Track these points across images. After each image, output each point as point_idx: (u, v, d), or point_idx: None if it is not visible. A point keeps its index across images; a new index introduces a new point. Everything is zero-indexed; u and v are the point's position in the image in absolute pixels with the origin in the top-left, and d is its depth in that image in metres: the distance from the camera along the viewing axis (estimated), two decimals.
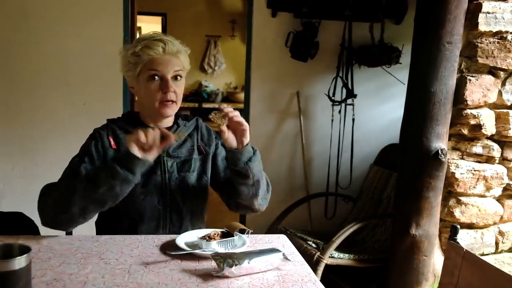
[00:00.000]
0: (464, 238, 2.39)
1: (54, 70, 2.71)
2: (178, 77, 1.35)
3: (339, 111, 3.02)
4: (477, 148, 2.39)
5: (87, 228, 1.37)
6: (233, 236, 1.20)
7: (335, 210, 3.05)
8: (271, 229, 2.57)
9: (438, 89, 2.12)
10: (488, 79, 2.34)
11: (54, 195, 1.20)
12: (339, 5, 2.90)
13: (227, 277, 1.00)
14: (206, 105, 5.94)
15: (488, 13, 2.32)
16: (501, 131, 2.40)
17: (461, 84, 2.28)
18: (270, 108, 3.07)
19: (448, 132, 2.21)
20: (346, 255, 2.29)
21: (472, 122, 2.31)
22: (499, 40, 2.34)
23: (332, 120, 3.03)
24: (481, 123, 2.31)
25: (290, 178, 3.10)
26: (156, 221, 1.35)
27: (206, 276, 1.02)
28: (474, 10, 2.32)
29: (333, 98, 2.96)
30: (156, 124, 1.40)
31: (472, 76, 2.30)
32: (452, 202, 2.38)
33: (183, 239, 1.20)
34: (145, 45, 1.32)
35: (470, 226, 2.42)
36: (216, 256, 1.03)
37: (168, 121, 1.42)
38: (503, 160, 2.47)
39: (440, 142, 2.15)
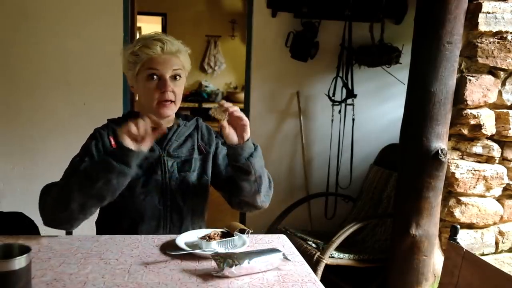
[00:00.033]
0: (464, 238, 2.39)
1: (54, 70, 2.71)
2: (177, 77, 1.35)
3: (339, 111, 3.02)
4: (477, 148, 2.40)
5: (87, 228, 1.38)
6: (233, 236, 1.19)
7: (335, 210, 3.05)
8: (271, 229, 2.57)
9: (438, 89, 2.12)
10: (488, 79, 2.34)
11: (53, 194, 1.20)
12: (339, 5, 2.90)
13: (227, 277, 1.00)
14: (206, 105, 5.94)
15: (488, 13, 2.32)
16: (501, 131, 2.40)
17: (461, 84, 2.28)
18: (270, 108, 3.07)
19: (448, 132, 2.21)
20: (346, 255, 2.29)
21: (472, 122, 2.31)
22: (499, 40, 2.34)
23: (332, 120, 3.03)
24: (481, 123, 2.31)
25: (290, 178, 3.10)
26: (157, 221, 1.35)
27: (206, 276, 1.02)
28: (474, 10, 2.33)
29: (333, 98, 2.96)
30: (156, 123, 1.40)
31: (472, 76, 2.30)
32: (452, 202, 2.38)
33: (183, 239, 1.20)
34: (144, 44, 1.32)
35: (470, 226, 2.42)
36: (216, 256, 1.03)
37: (168, 121, 1.42)
38: (503, 160, 2.47)
39: (440, 142, 2.15)
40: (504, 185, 2.45)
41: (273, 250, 1.09)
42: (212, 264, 1.07)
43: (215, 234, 1.20)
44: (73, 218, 1.19)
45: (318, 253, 2.21)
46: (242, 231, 1.21)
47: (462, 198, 2.38)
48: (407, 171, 2.24)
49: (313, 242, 2.35)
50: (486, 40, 2.34)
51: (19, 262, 0.82)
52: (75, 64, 2.73)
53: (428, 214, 2.19)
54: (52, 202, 1.19)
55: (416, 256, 2.22)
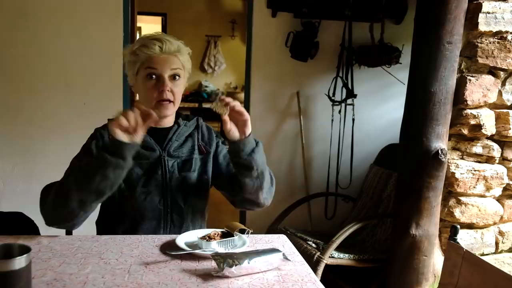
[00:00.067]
0: (464, 238, 2.39)
1: (54, 70, 2.71)
2: (177, 77, 1.35)
3: (339, 111, 3.02)
4: (477, 148, 2.40)
5: (87, 228, 1.38)
6: (233, 236, 1.19)
7: (335, 210, 3.05)
8: (271, 229, 2.57)
9: (438, 89, 2.12)
10: (488, 79, 2.34)
11: (52, 193, 1.20)
12: (339, 5, 2.90)
13: (227, 277, 1.00)
14: (206, 105, 5.94)
15: (488, 13, 2.32)
16: (501, 131, 2.40)
17: (461, 84, 2.28)
18: (270, 108, 3.07)
19: (448, 132, 2.21)
20: (346, 255, 2.29)
21: (472, 122, 2.31)
22: (499, 40, 2.35)
23: (332, 120, 3.03)
24: (481, 123, 2.31)
25: (290, 178, 3.11)
26: (157, 221, 1.35)
27: (206, 276, 1.02)
28: (474, 10, 2.33)
29: (333, 98, 2.96)
30: (156, 124, 1.40)
31: (472, 76, 2.30)
32: (452, 202, 2.38)
33: (183, 239, 1.20)
34: (143, 44, 1.33)
35: (470, 226, 2.42)
36: (216, 256, 1.03)
37: (169, 121, 1.42)
38: (503, 160, 2.47)
39: (440, 142, 2.15)
40: (504, 185, 2.45)
41: (273, 250, 1.09)
42: (212, 264, 1.07)
43: (215, 234, 1.20)
44: (74, 215, 1.18)
45: (318, 253, 2.21)
46: (242, 231, 1.21)
47: (462, 198, 2.38)
48: (407, 171, 2.24)
49: (313, 242, 2.35)
50: (486, 40, 2.34)
51: (19, 262, 0.82)
52: (75, 64, 2.73)
53: (428, 214, 2.19)
54: (52, 201, 1.19)
55: (416, 256, 2.22)
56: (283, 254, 1.09)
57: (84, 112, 2.73)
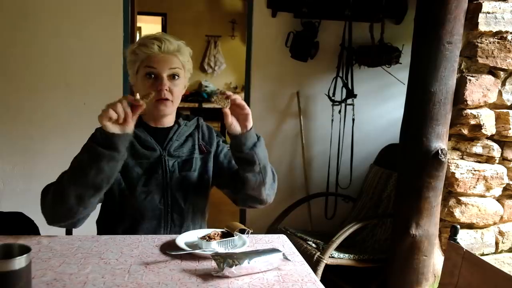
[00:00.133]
0: (464, 238, 2.39)
1: (54, 70, 2.71)
2: (176, 76, 1.35)
3: (339, 111, 3.02)
4: (477, 148, 2.40)
5: (88, 228, 1.37)
6: (233, 236, 1.19)
7: (335, 210, 3.05)
8: (271, 229, 2.57)
9: (438, 89, 2.12)
10: (488, 79, 2.34)
11: (51, 192, 1.20)
12: (339, 5, 2.90)
13: (227, 277, 1.00)
14: (206, 105, 5.94)
15: (488, 13, 2.32)
16: (501, 131, 2.40)
17: (461, 84, 2.28)
18: (270, 108, 3.07)
19: (448, 132, 2.21)
20: (346, 255, 2.29)
21: (472, 122, 2.31)
22: (499, 40, 2.35)
23: (332, 120, 3.03)
24: (481, 123, 2.31)
25: (290, 178, 3.11)
26: (157, 220, 1.35)
27: (206, 276, 1.02)
28: (474, 10, 2.33)
29: (333, 98, 2.96)
30: (157, 123, 1.41)
31: (472, 76, 2.30)
32: (452, 202, 2.38)
33: (183, 239, 1.20)
34: (142, 43, 1.34)
35: (470, 226, 2.42)
36: (216, 256, 1.03)
37: (169, 121, 1.42)
38: (503, 160, 2.47)
39: (440, 142, 2.15)
40: (504, 185, 2.45)
41: (273, 250, 1.09)
42: (212, 264, 1.07)
43: (215, 234, 1.20)
44: (73, 212, 1.18)
45: (318, 253, 2.21)
46: (242, 231, 1.21)
47: (462, 198, 2.38)
48: (407, 171, 2.24)
49: (313, 242, 2.35)
50: (486, 40, 2.34)
51: (19, 262, 0.82)
52: (75, 64, 2.73)
53: (428, 214, 2.19)
54: (51, 199, 1.19)
55: (416, 256, 2.22)
56: (283, 254, 1.09)
57: (84, 112, 2.73)
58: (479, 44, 2.33)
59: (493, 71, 2.38)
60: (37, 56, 2.68)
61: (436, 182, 2.16)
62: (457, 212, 2.36)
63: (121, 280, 0.98)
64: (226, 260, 1.00)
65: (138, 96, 1.16)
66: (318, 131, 3.11)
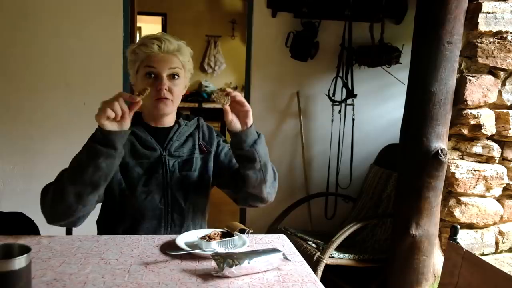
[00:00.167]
0: (464, 238, 2.39)
1: (54, 70, 2.71)
2: (176, 76, 1.35)
3: (339, 111, 3.02)
4: (477, 148, 2.40)
5: (88, 227, 1.38)
6: (233, 236, 1.19)
7: (335, 210, 3.05)
8: (271, 229, 2.57)
9: (438, 89, 2.12)
10: (488, 79, 2.34)
11: (50, 191, 1.20)
12: (339, 5, 2.90)
13: (227, 277, 1.00)
14: (206, 105, 5.94)
15: (488, 13, 2.32)
16: (501, 131, 2.40)
17: (461, 84, 2.28)
18: (270, 108, 3.07)
19: (448, 132, 2.21)
20: (346, 255, 2.29)
21: (472, 122, 2.31)
22: (499, 40, 2.35)
23: (332, 120, 3.03)
24: (481, 123, 2.31)
25: (290, 178, 3.11)
26: (158, 220, 1.35)
27: (206, 276, 1.02)
28: (474, 10, 2.33)
29: (333, 98, 2.96)
30: (157, 123, 1.41)
31: (472, 76, 2.30)
32: (452, 202, 2.38)
33: (183, 239, 1.20)
34: (142, 43, 1.34)
35: (470, 226, 2.42)
36: (216, 256, 1.03)
37: (169, 121, 1.42)
38: (503, 160, 2.47)
39: (440, 142, 2.15)
40: (504, 185, 2.45)
41: (273, 250, 1.09)
42: (212, 264, 1.07)
43: (215, 234, 1.20)
44: (73, 210, 1.18)
45: (318, 253, 2.21)
46: (242, 231, 1.21)
47: (462, 198, 2.38)
48: (407, 171, 2.24)
49: (313, 242, 2.35)
50: (486, 40, 2.34)
51: (19, 262, 0.82)
52: (75, 64, 2.73)
53: (428, 214, 2.19)
54: (50, 198, 1.19)
55: (416, 256, 2.22)
56: (283, 254, 1.09)
57: (84, 112, 2.73)
58: (479, 44, 2.33)
59: (493, 71, 2.38)
60: (37, 56, 2.68)
61: (436, 182, 2.16)
62: (457, 212, 2.36)
63: (121, 280, 0.98)
64: (226, 260, 1.00)
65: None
66: (318, 131, 3.11)
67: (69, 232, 1.58)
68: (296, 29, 2.93)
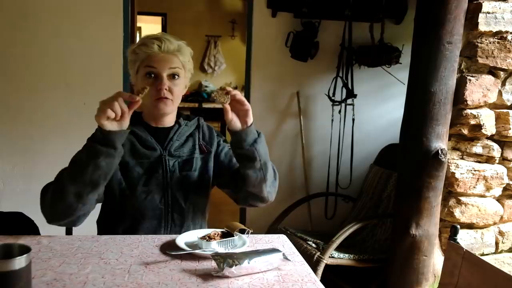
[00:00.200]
0: (464, 238, 2.39)
1: (54, 70, 2.71)
2: (176, 76, 1.35)
3: (339, 111, 3.02)
4: (477, 148, 2.40)
5: (88, 227, 1.38)
6: (233, 236, 1.19)
7: (335, 210, 3.05)
8: (271, 229, 2.57)
9: (438, 89, 2.12)
10: (488, 79, 2.34)
11: (50, 190, 1.20)
12: (339, 5, 2.90)
13: (227, 277, 1.00)
14: (206, 105, 5.94)
15: (488, 13, 2.32)
16: (501, 131, 2.40)
17: (461, 84, 2.28)
18: (270, 108, 3.07)
19: (448, 132, 2.21)
20: (346, 255, 2.29)
21: (472, 122, 2.31)
22: (499, 40, 2.35)
23: (332, 120, 3.03)
24: (481, 123, 2.31)
25: (290, 178, 3.11)
26: (158, 220, 1.35)
27: (206, 276, 1.02)
28: (474, 10, 2.33)
29: (333, 98, 2.96)
30: (157, 123, 1.41)
31: (472, 76, 2.30)
32: (452, 202, 2.38)
33: (183, 239, 1.20)
34: (143, 43, 1.34)
35: (470, 226, 2.42)
36: (216, 256, 1.03)
37: (169, 121, 1.42)
38: (503, 160, 2.47)
39: (440, 142, 2.15)
40: (504, 185, 2.45)
41: (273, 250, 1.09)
42: (212, 264, 1.07)
43: (215, 234, 1.20)
44: (73, 209, 1.18)
45: (318, 253, 2.21)
46: (242, 231, 1.21)
47: (462, 198, 2.38)
48: (407, 171, 2.24)
49: (313, 242, 2.35)
50: (486, 40, 2.34)
51: (19, 262, 0.82)
52: (75, 64, 2.73)
53: (428, 214, 2.19)
54: (50, 197, 1.19)
55: (416, 256, 2.22)
56: (283, 254, 1.09)
57: (84, 112, 2.73)
58: (479, 44, 2.33)
59: (493, 71, 2.38)
60: (37, 56, 2.68)
61: (436, 182, 2.16)
62: (457, 212, 2.36)
63: (121, 280, 0.98)
64: (226, 260, 1.00)
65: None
66: (318, 131, 3.11)
67: (69, 232, 1.58)
68: (296, 29, 2.93)
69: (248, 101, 3.15)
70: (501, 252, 2.51)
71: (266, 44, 3.00)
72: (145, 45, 1.33)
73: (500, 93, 2.41)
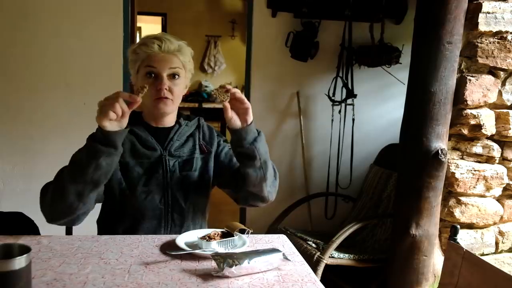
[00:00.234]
0: (464, 238, 2.39)
1: (54, 70, 2.71)
2: (176, 76, 1.35)
3: (339, 111, 3.02)
4: (477, 148, 2.40)
5: (88, 227, 1.38)
6: (233, 236, 1.19)
7: (335, 210, 3.05)
8: (271, 229, 2.57)
9: (438, 89, 2.12)
10: (488, 79, 2.34)
11: (50, 189, 1.20)
12: (339, 5, 2.90)
13: (227, 277, 1.00)
14: (206, 105, 5.94)
15: (488, 13, 2.32)
16: (501, 131, 2.40)
17: (461, 84, 2.28)
18: (270, 108, 3.07)
19: (448, 132, 2.21)
20: (346, 255, 2.29)
21: (472, 122, 2.31)
22: (499, 40, 2.35)
23: (332, 120, 3.03)
24: (481, 123, 2.31)
25: (290, 178, 3.11)
26: (158, 220, 1.35)
27: (206, 276, 1.02)
28: (474, 10, 2.33)
29: (333, 98, 2.96)
30: (157, 123, 1.41)
31: (472, 76, 2.30)
32: (452, 202, 2.38)
33: (183, 239, 1.20)
34: (143, 43, 1.34)
35: (470, 226, 2.42)
36: (216, 256, 1.03)
37: (170, 121, 1.42)
38: (503, 160, 2.47)
39: (440, 142, 2.15)
40: (504, 185, 2.45)
41: (273, 250, 1.09)
42: (212, 264, 1.07)
43: (215, 234, 1.20)
44: (73, 208, 1.18)
45: (318, 253, 2.21)
46: (242, 231, 1.21)
47: (462, 198, 2.38)
48: (407, 171, 2.24)
49: (313, 242, 2.35)
50: (486, 40, 2.34)
51: (19, 262, 0.82)
52: (75, 64, 2.73)
53: (428, 214, 2.19)
54: (50, 197, 1.19)
55: (416, 256, 2.22)
56: (283, 254, 1.09)
57: (84, 112, 2.73)
58: (479, 44, 2.33)
59: (493, 71, 2.38)
60: (37, 56, 2.68)
61: (436, 182, 2.16)
62: (457, 212, 2.36)
63: (121, 280, 0.98)
64: (226, 260, 1.00)
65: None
66: (318, 131, 3.11)
67: (69, 232, 1.58)
68: (296, 29, 2.93)
69: (248, 101, 3.16)
70: (501, 252, 2.51)
71: (266, 44, 3.00)
72: (145, 45, 1.33)
73: (500, 93, 2.41)
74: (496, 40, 2.35)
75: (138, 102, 1.16)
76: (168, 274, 1.02)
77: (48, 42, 2.68)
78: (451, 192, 2.39)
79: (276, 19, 2.97)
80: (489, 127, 2.35)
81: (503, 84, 2.42)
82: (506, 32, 2.36)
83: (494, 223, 2.47)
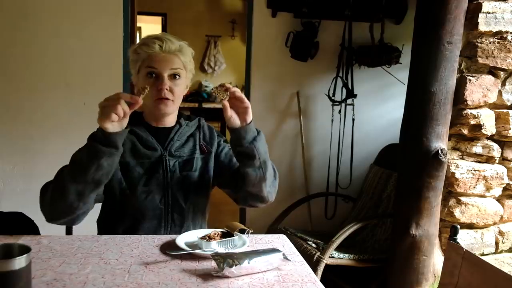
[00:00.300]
0: (464, 238, 2.39)
1: (54, 70, 2.71)
2: (177, 76, 1.35)
3: (339, 111, 3.02)
4: (477, 148, 2.40)
5: (88, 227, 1.38)
6: (233, 236, 1.19)
7: (335, 210, 3.05)
8: (271, 229, 2.57)
9: (438, 89, 2.12)
10: (488, 79, 2.34)
11: (50, 189, 1.20)
12: (339, 5, 2.90)
13: (227, 277, 1.00)
14: (206, 105, 5.94)
15: (488, 13, 2.32)
16: (501, 131, 2.40)
17: (461, 84, 2.28)
18: (270, 108, 3.07)
19: (448, 132, 2.21)
20: (346, 255, 2.29)
21: (472, 122, 2.31)
22: (499, 40, 2.35)
23: (332, 120, 3.03)
24: (481, 123, 2.31)
25: (290, 178, 3.11)
26: (158, 220, 1.35)
27: (206, 276, 1.02)
28: (474, 10, 2.33)
29: (333, 98, 2.96)
30: (158, 123, 1.41)
31: (472, 76, 2.30)
32: (452, 202, 2.38)
33: (183, 239, 1.20)
34: (144, 43, 1.34)
35: (470, 226, 2.42)
36: (216, 256, 1.03)
37: (170, 121, 1.42)
38: (503, 160, 2.47)
39: (440, 142, 2.15)
40: (504, 185, 2.45)
41: (273, 250, 1.09)
42: (212, 264, 1.07)
43: (215, 234, 1.20)
44: (74, 207, 1.18)
45: (318, 253, 2.21)
46: (242, 231, 1.21)
47: (462, 198, 2.38)
48: (407, 171, 2.24)
49: (313, 242, 2.35)
50: (486, 40, 2.34)
51: (19, 262, 0.82)
52: (75, 64, 2.73)
53: (428, 214, 2.19)
54: (50, 196, 1.19)
55: (416, 256, 2.22)
56: (283, 254, 1.09)
57: (84, 112, 2.73)
58: (479, 44, 2.33)
59: (493, 71, 2.38)
60: (37, 56, 2.68)
61: (436, 182, 2.16)
62: (457, 212, 2.36)
63: (121, 280, 0.98)
64: (226, 260, 1.00)
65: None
66: (318, 131, 3.11)
67: (69, 232, 1.58)
68: (296, 29, 2.93)
69: (248, 101, 3.15)
70: (501, 252, 2.51)
71: (266, 44, 3.00)
72: (146, 45, 1.33)
73: (500, 93, 2.41)
74: (496, 40, 2.35)
75: (139, 103, 1.16)
76: (168, 274, 1.02)
77: (48, 42, 2.68)
78: (451, 192, 2.39)
79: (276, 19, 2.97)
80: (489, 127, 2.35)
81: (503, 84, 2.42)
82: (506, 32, 2.36)
83: (494, 223, 2.47)
